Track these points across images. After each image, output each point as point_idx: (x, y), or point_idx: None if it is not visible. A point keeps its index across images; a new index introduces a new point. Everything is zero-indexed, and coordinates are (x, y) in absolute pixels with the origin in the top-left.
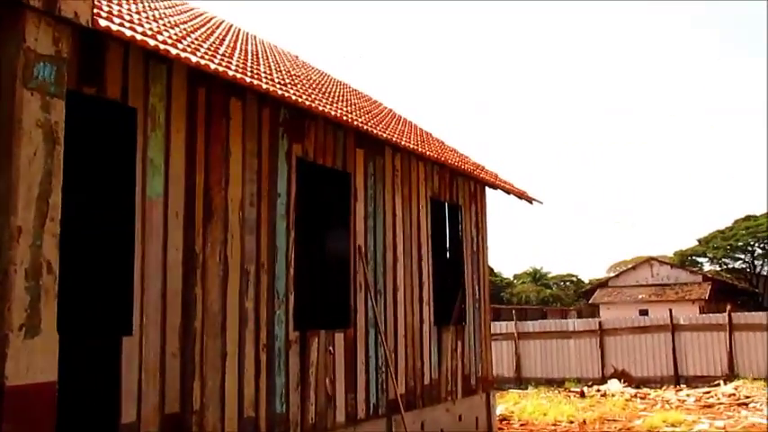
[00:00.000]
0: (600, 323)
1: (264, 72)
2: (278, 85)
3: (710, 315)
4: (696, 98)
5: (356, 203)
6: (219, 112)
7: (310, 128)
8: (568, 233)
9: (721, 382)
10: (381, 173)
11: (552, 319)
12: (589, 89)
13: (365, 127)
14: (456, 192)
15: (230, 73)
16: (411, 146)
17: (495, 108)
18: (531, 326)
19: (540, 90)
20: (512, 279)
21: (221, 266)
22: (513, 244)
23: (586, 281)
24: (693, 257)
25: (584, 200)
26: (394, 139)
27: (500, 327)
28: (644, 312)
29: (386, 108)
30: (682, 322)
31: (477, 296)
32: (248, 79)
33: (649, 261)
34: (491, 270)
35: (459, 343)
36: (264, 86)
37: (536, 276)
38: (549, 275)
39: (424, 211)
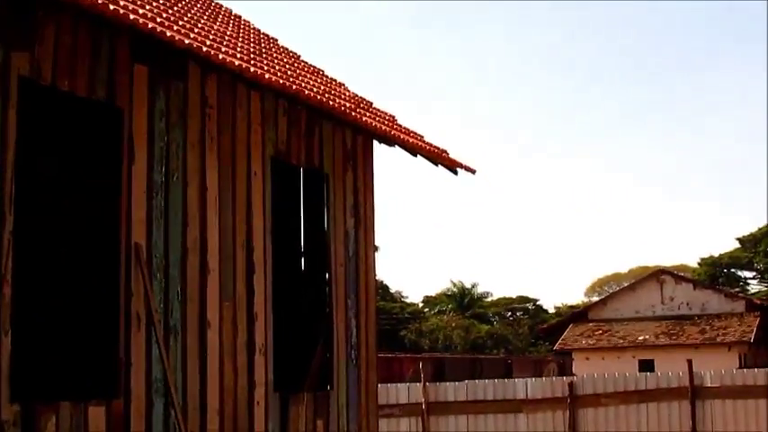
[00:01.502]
0: (571, 385)
1: None
2: None
3: (760, 371)
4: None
5: (132, 166)
6: None
7: (47, 26)
8: (522, 230)
9: None
10: (181, 110)
11: (516, 377)
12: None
13: (150, 25)
14: (320, 149)
15: None
16: (237, 62)
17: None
18: (452, 391)
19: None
20: (420, 305)
21: None
22: (424, 247)
23: (551, 309)
24: (732, 270)
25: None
26: (205, 49)
27: (399, 392)
28: (647, 365)
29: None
30: (710, 383)
31: (355, 338)
32: None
33: (658, 276)
34: (383, 289)
35: (321, 423)
36: None
37: (463, 301)
38: (487, 300)
39: (260, 184)
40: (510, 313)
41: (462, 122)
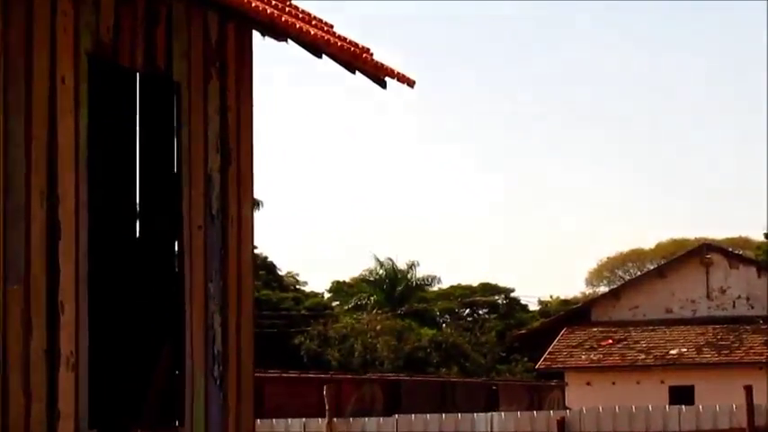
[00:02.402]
0: (562, 423)
1: None
2: None
3: None
4: None
5: None
6: None
7: None
8: (487, 183)
9: None
10: None
11: (504, 410)
12: None
13: None
14: (167, 43)
15: None
16: None
17: None
18: (374, 428)
19: None
20: (326, 296)
21: None
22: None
23: (532, 305)
24: None
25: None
26: None
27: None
28: (683, 394)
29: None
30: None
31: (220, 346)
32: None
33: (702, 254)
34: (267, 269)
35: None
36: None
37: (394, 291)
38: (432, 290)
39: (70, 98)
40: (468, 311)
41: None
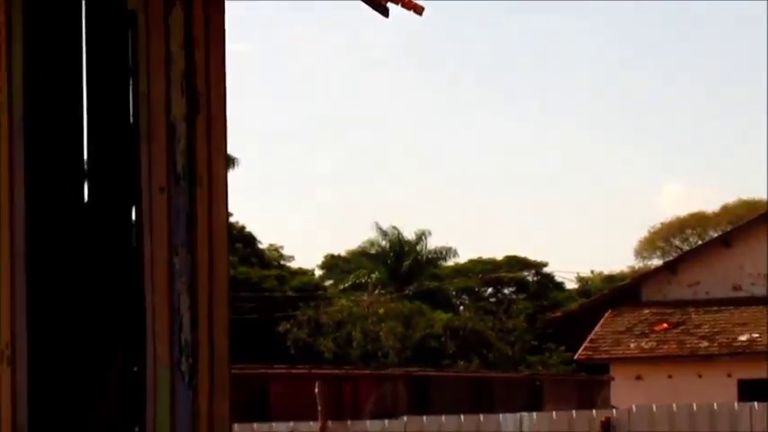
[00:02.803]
0: (607, 425)
1: None
2: None
3: None
4: None
5: None
6: None
7: None
8: (513, 135)
9: None
10: None
11: (551, 409)
12: None
13: None
14: None
15: None
16: None
17: None
18: None
19: None
20: (317, 273)
21: None
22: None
23: (569, 283)
24: None
25: None
26: None
27: None
28: (754, 389)
29: None
30: None
31: (189, 334)
32: None
33: None
34: (244, 241)
35: None
36: None
37: (400, 265)
38: (447, 265)
39: (2, 32)
40: (491, 290)
41: None
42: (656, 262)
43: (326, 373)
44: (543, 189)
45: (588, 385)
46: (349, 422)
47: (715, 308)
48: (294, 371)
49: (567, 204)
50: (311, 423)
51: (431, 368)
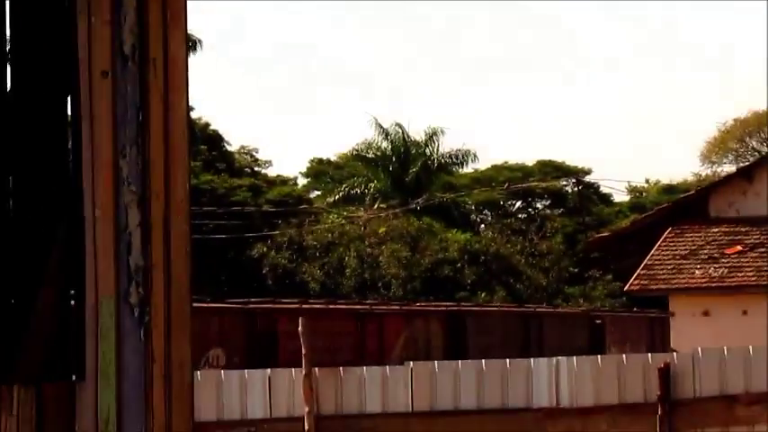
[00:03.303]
0: (665, 372)
1: None
2: None
3: None
4: None
5: None
6: None
7: None
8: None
9: None
10: None
11: (613, 351)
12: None
13: None
14: None
15: None
16: None
17: None
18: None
19: None
20: (299, 182)
21: None
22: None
23: (617, 195)
24: None
25: None
26: None
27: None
28: None
29: None
30: None
31: (140, 257)
32: None
33: None
34: (210, 142)
35: None
36: None
37: (406, 171)
38: (464, 172)
39: None
40: (520, 204)
41: None
42: (728, 168)
43: (345, 309)
44: (587, 79)
45: (661, 324)
46: (342, 369)
47: None
48: (306, 306)
49: (617, 97)
50: (294, 370)
51: (449, 302)
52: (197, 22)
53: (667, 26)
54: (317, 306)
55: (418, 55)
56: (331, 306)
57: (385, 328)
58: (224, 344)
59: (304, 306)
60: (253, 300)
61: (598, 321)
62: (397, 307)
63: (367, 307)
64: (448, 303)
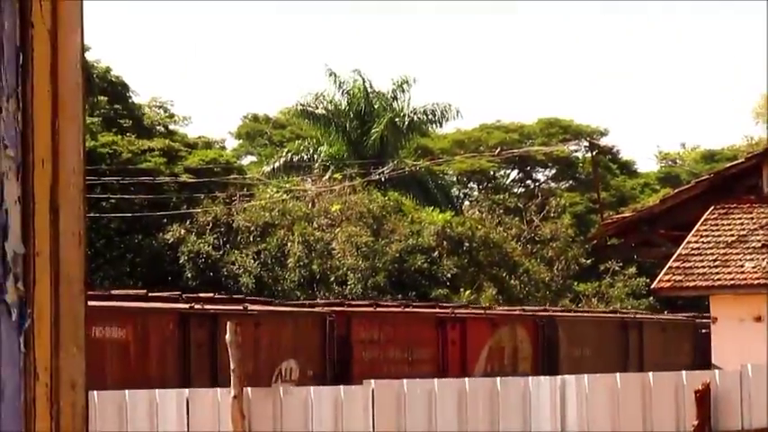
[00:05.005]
0: (703, 397)
1: None
2: None
3: None
4: None
5: None
6: None
7: None
8: None
9: None
10: None
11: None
12: None
13: None
14: None
15: None
16: None
17: None
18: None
19: None
20: (227, 147)
21: None
22: None
23: (645, 165)
24: None
25: None
26: None
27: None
28: None
29: None
30: None
31: (21, 239)
32: None
33: None
34: (116, 94)
35: None
36: None
37: (363, 127)
38: (444, 134)
39: None
40: (516, 174)
41: None
42: None
43: (423, 312)
44: (604, 25)
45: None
46: (281, 388)
47: None
48: (379, 309)
49: (642, 47)
50: (220, 390)
51: (576, 310)
52: None
53: None
54: (393, 309)
55: None
56: (405, 309)
57: (464, 335)
58: (297, 354)
59: (378, 309)
60: (321, 301)
61: (704, 330)
62: (479, 310)
63: (449, 311)
64: (536, 308)
